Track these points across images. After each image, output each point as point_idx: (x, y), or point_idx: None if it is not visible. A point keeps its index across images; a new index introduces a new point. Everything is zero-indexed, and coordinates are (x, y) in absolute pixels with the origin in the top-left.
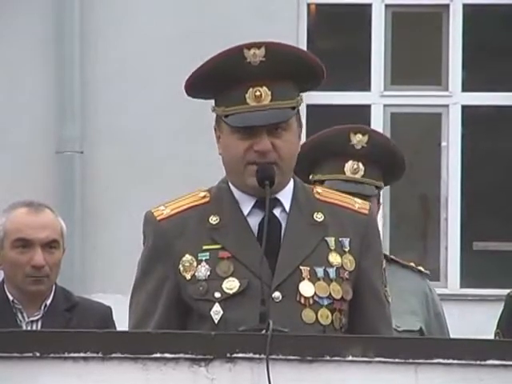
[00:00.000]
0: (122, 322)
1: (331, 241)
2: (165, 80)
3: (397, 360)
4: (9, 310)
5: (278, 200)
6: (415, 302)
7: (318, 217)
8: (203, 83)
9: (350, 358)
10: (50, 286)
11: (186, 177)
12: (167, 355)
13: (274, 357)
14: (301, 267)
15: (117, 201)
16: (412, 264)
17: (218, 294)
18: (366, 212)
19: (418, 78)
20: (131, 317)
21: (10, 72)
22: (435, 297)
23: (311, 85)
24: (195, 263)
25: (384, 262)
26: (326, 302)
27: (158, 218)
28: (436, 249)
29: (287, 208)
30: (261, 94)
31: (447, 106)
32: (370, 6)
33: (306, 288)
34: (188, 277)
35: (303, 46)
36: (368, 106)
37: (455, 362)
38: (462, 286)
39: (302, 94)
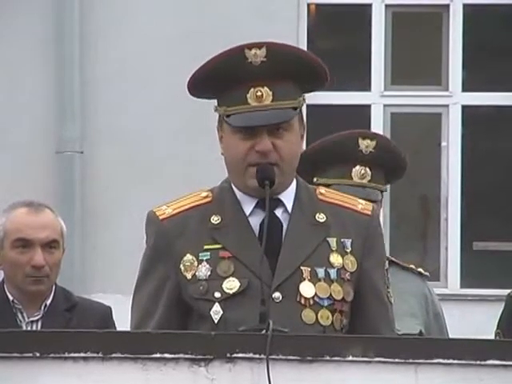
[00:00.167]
0: (122, 322)
1: (333, 241)
2: (165, 80)
3: (397, 360)
4: (9, 310)
5: (280, 200)
6: (415, 303)
7: (320, 217)
8: (204, 83)
9: (350, 358)
10: (49, 286)
11: (186, 177)
12: (167, 355)
13: (274, 357)
14: (301, 267)
15: (117, 201)
16: (412, 266)
17: (218, 294)
18: (369, 213)
19: (418, 78)
20: (133, 316)
21: (10, 72)
22: (434, 298)
23: (314, 86)
24: (196, 263)
25: (387, 263)
26: (326, 303)
27: (160, 218)
28: (436, 249)
29: (289, 208)
30: (262, 94)
31: (447, 106)
32: (369, 6)
33: (307, 289)
34: (189, 276)
35: (303, 46)
36: (368, 106)
37: (455, 361)
38: (462, 286)
39: (304, 94)
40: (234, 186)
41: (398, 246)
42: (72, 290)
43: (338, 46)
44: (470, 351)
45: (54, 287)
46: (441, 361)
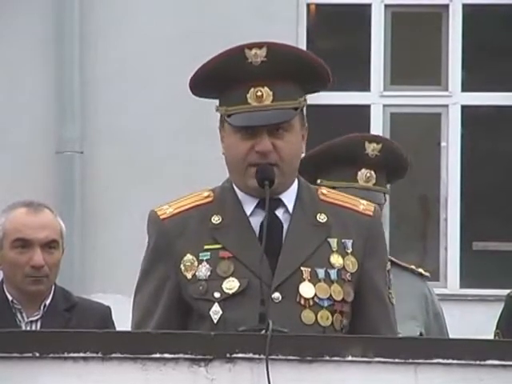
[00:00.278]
0: (122, 322)
1: (334, 242)
2: (165, 80)
3: (397, 360)
4: (8, 310)
5: (281, 201)
6: (415, 305)
7: (321, 218)
8: (205, 83)
9: (350, 358)
10: (49, 286)
11: (186, 177)
12: (167, 355)
13: (273, 357)
14: (302, 268)
15: (117, 201)
16: (412, 267)
17: (217, 294)
18: (371, 214)
19: (417, 78)
20: (133, 316)
21: (10, 72)
22: (434, 298)
23: (316, 86)
24: (196, 263)
25: (389, 263)
26: (326, 304)
27: (161, 218)
28: (436, 249)
29: (290, 209)
30: (262, 95)
31: (447, 106)
32: (369, 6)
33: (306, 289)
34: (189, 276)
35: (303, 46)
36: (368, 106)
37: (455, 362)
38: (461, 287)
39: (306, 95)
40: (235, 186)
41: (398, 246)
42: (72, 290)
43: (337, 46)
44: (470, 351)
45: (53, 287)
46: (441, 361)
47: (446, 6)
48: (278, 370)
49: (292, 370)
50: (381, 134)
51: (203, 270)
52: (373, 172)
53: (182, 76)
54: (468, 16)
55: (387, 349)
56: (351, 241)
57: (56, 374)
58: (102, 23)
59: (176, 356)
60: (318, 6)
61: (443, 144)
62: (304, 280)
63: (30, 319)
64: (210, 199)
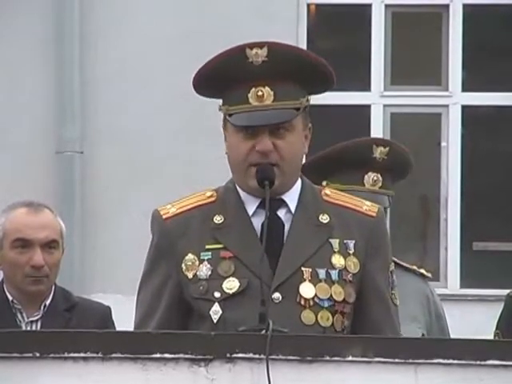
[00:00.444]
0: (122, 322)
1: (335, 242)
2: (165, 80)
3: (397, 360)
4: (8, 311)
5: (283, 201)
6: (417, 306)
7: (324, 218)
8: (207, 82)
9: (350, 358)
10: (49, 286)
11: (186, 177)
12: (167, 355)
13: (273, 357)
14: (302, 268)
15: (117, 201)
16: (414, 267)
17: (217, 294)
18: (374, 214)
19: (417, 78)
20: (136, 315)
21: (10, 72)
22: (436, 299)
23: (319, 86)
24: (197, 262)
25: (392, 264)
26: (326, 304)
27: (164, 217)
28: (436, 249)
29: (292, 209)
30: (263, 94)
31: (447, 106)
32: (369, 6)
33: (307, 289)
34: (190, 276)
35: (303, 46)
36: (368, 106)
37: (455, 362)
38: (461, 287)
39: (311, 95)
40: (237, 186)
41: (398, 247)
42: (71, 290)
43: (337, 46)
44: (470, 351)
45: (53, 287)
46: (441, 361)
47: (447, 6)
48: (278, 370)
49: (292, 370)
50: (381, 134)
51: (204, 270)
52: (379, 175)
53: (182, 76)
54: (468, 16)
55: (387, 349)
56: (353, 241)
57: (56, 374)
58: (102, 23)
59: (176, 356)
60: (318, 5)
61: (443, 144)
62: (304, 280)
63: (30, 319)
64: (212, 199)
